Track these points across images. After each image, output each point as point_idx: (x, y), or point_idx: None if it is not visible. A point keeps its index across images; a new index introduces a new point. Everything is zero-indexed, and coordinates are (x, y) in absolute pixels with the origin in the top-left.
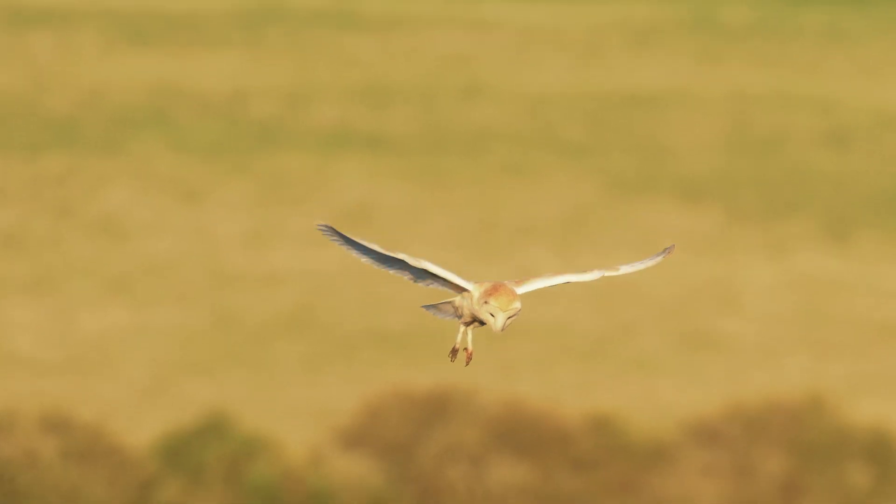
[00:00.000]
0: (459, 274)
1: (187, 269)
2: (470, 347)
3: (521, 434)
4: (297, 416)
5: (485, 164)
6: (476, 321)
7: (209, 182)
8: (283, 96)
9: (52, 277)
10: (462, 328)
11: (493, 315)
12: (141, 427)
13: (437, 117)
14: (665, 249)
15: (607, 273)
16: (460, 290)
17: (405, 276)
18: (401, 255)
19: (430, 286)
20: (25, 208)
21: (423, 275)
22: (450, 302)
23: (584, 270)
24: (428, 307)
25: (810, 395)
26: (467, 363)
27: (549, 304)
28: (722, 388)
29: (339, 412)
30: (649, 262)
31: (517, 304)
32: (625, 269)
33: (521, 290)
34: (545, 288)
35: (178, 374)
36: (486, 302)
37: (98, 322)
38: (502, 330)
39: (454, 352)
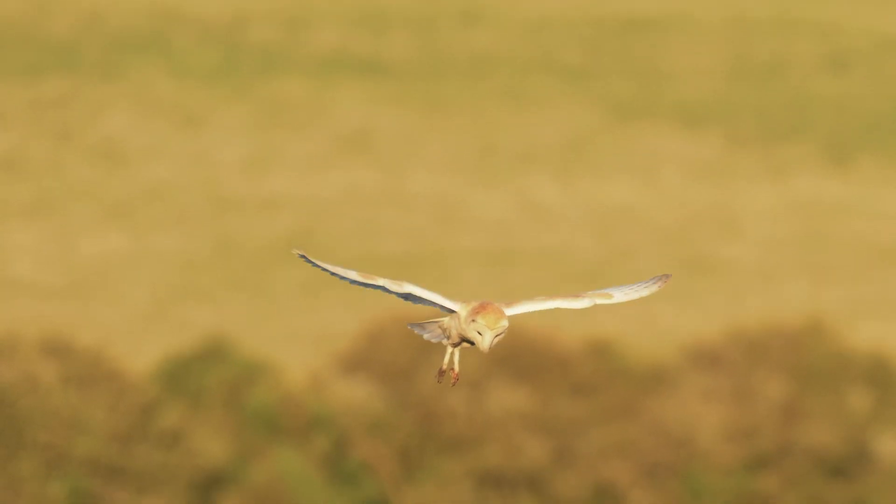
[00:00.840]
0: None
1: (187, 195)
2: (457, 369)
3: (521, 359)
4: (296, 341)
5: (484, 90)
6: (464, 341)
7: (208, 107)
8: (282, 21)
9: (52, 202)
10: (450, 349)
11: (480, 333)
12: (141, 352)
13: (436, 43)
14: (662, 276)
15: (599, 301)
16: (447, 310)
17: (391, 294)
18: (380, 282)
19: (426, 329)
20: (25, 132)
21: (408, 296)
22: (437, 322)
23: (575, 296)
24: (414, 326)
25: (810, 318)
26: (454, 384)
27: (548, 230)
28: (722, 312)
29: (338, 337)
30: (643, 291)
31: (504, 323)
32: (618, 298)
33: (509, 311)
34: (533, 311)
35: (177, 299)
36: (473, 320)
37: (98, 247)
38: (489, 349)
39: (441, 373)
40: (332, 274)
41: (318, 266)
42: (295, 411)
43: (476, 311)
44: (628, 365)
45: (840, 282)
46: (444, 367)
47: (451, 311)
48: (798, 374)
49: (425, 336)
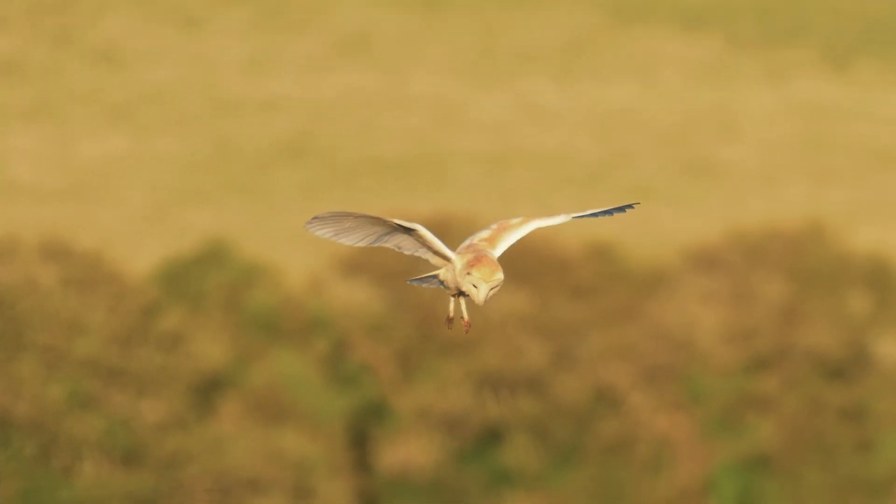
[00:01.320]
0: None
1: (186, 97)
2: (466, 317)
3: (521, 262)
4: (296, 244)
5: None
6: (460, 293)
7: (208, 9)
8: None
9: (52, 105)
10: (452, 299)
11: (475, 286)
12: (140, 254)
13: None
14: (629, 205)
15: (574, 215)
16: (445, 258)
17: (394, 247)
18: (395, 220)
19: (418, 255)
20: (25, 35)
21: (410, 243)
22: (434, 275)
23: (551, 215)
24: (413, 280)
25: (809, 221)
26: (466, 331)
27: (547, 132)
28: (721, 215)
29: None
30: (614, 210)
31: (500, 275)
32: (591, 211)
33: (497, 250)
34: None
35: (177, 201)
36: (468, 273)
37: (98, 149)
38: (485, 301)
39: (450, 320)
40: (349, 222)
41: (336, 215)
42: (294, 314)
43: (471, 265)
44: (628, 268)
45: (839, 185)
46: (451, 314)
47: (448, 260)
48: (798, 277)
49: (424, 285)
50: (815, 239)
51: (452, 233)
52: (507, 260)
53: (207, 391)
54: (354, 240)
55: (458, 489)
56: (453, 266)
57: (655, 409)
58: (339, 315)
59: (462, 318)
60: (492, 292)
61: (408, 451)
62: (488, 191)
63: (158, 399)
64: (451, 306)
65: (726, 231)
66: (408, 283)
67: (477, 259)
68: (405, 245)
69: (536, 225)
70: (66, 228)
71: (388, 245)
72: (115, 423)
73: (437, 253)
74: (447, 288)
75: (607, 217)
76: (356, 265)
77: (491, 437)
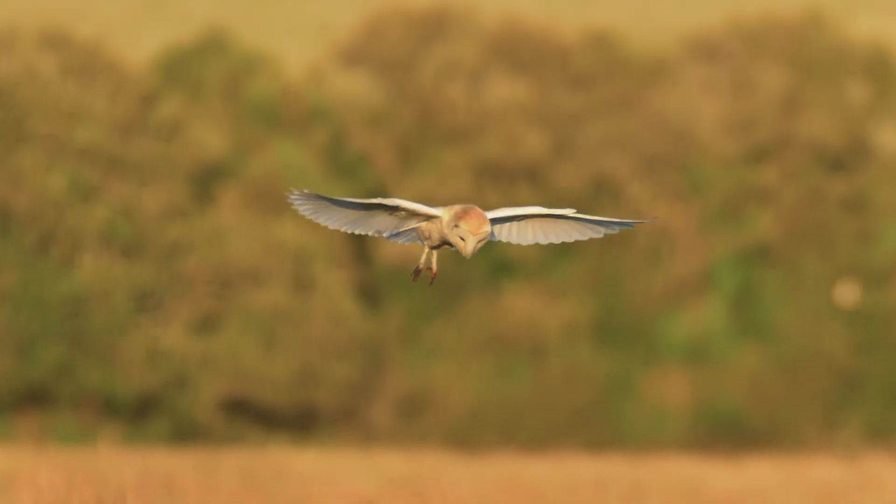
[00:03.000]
0: None
1: None
2: (434, 269)
3: (520, 51)
4: (296, 33)
5: None
6: (445, 244)
7: None
8: None
9: None
10: (426, 251)
11: (463, 239)
12: (140, 43)
13: None
14: (649, 219)
15: (583, 217)
16: (432, 217)
17: (374, 233)
18: (377, 200)
19: (401, 234)
20: None
21: (391, 222)
22: (413, 228)
23: (556, 209)
24: (391, 236)
25: (809, 10)
26: (431, 282)
27: None
28: (721, 2)
29: (338, 29)
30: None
31: (487, 228)
32: (599, 218)
33: (491, 215)
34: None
35: None
36: (456, 226)
37: None
38: (472, 254)
39: (417, 272)
40: (330, 207)
41: (318, 199)
42: (294, 103)
43: (459, 217)
44: (628, 56)
45: None
46: (422, 265)
47: (435, 218)
48: (797, 67)
49: (401, 241)
50: (815, 27)
51: (452, 23)
52: (506, 50)
53: (207, 181)
54: (334, 222)
55: (456, 280)
56: (440, 220)
57: (654, 199)
58: (338, 105)
59: (430, 269)
60: (479, 245)
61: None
62: None
63: (159, 188)
64: (423, 258)
65: (726, 19)
66: (387, 238)
67: (465, 211)
68: (385, 226)
69: (538, 210)
70: (65, 17)
71: (368, 232)
72: (116, 213)
73: (424, 217)
74: (424, 241)
75: (606, 3)
76: (356, 55)
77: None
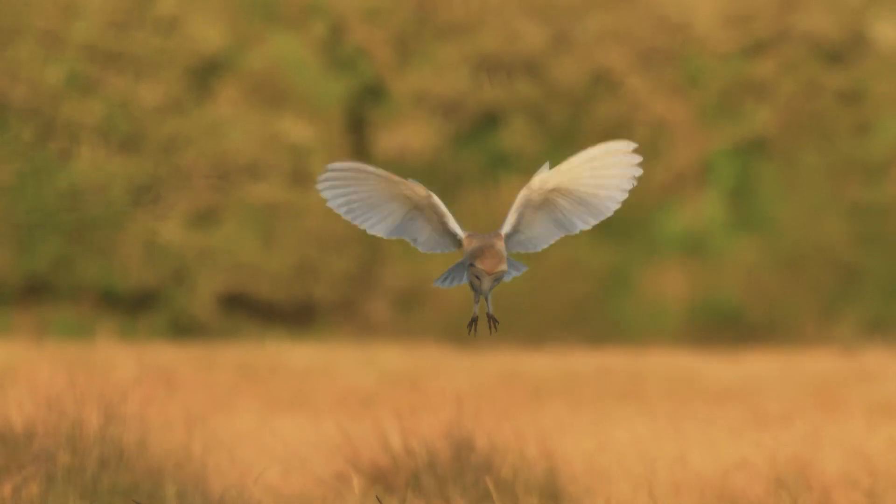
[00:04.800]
0: None
1: None
2: (490, 310)
3: None
4: None
5: None
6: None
7: None
8: None
9: None
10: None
11: (478, 278)
12: None
13: None
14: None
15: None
16: (453, 235)
17: (410, 241)
18: (411, 181)
19: (426, 236)
20: None
21: (425, 225)
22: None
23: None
24: (427, 247)
25: None
26: (493, 329)
27: None
28: None
29: None
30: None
31: (503, 267)
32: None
33: (503, 230)
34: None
35: None
36: (472, 264)
37: None
38: (488, 292)
39: (473, 321)
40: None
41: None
42: None
43: (475, 256)
44: None
45: None
46: (476, 314)
47: (457, 238)
48: None
49: (455, 285)
50: None
51: None
52: None
53: (205, 75)
54: (368, 220)
55: (454, 173)
56: (464, 247)
57: (653, 91)
58: None
59: (489, 315)
60: (495, 283)
61: (404, 136)
62: None
63: (157, 82)
64: (476, 307)
65: None
66: (422, 249)
67: (481, 251)
68: (420, 231)
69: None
70: None
71: (404, 235)
72: (113, 106)
73: (446, 225)
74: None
75: None
76: None
77: (488, 120)
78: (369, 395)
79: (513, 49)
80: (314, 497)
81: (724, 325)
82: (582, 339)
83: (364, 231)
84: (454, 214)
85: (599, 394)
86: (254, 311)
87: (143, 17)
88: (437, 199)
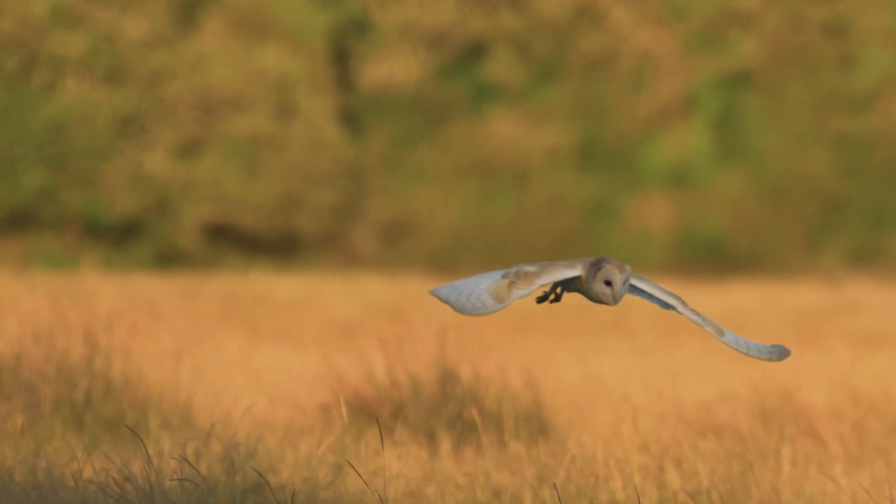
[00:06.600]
0: None
1: None
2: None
3: None
4: None
5: None
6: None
7: None
8: None
9: None
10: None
11: (609, 282)
12: None
13: None
14: (780, 351)
15: (709, 329)
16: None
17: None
18: (516, 294)
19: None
20: None
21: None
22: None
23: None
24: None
25: None
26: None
27: None
28: None
29: None
30: (758, 355)
31: (628, 266)
32: (728, 341)
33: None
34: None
35: None
36: (598, 270)
37: None
38: (620, 297)
39: (544, 298)
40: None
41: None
42: None
43: (596, 266)
44: None
45: None
46: (548, 294)
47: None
48: None
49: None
50: None
51: None
52: None
53: (190, 7)
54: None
55: (439, 105)
56: (581, 277)
57: (637, 23)
58: None
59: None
60: (625, 286)
61: (390, 68)
62: None
63: (141, 16)
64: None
65: None
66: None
67: (598, 260)
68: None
69: (675, 304)
70: None
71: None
72: (99, 40)
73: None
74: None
75: None
76: None
77: (473, 52)
78: (354, 326)
79: None
80: (299, 427)
81: (708, 256)
82: None
83: (348, 164)
84: (439, 147)
85: (584, 326)
86: (238, 243)
87: None
88: (545, 277)
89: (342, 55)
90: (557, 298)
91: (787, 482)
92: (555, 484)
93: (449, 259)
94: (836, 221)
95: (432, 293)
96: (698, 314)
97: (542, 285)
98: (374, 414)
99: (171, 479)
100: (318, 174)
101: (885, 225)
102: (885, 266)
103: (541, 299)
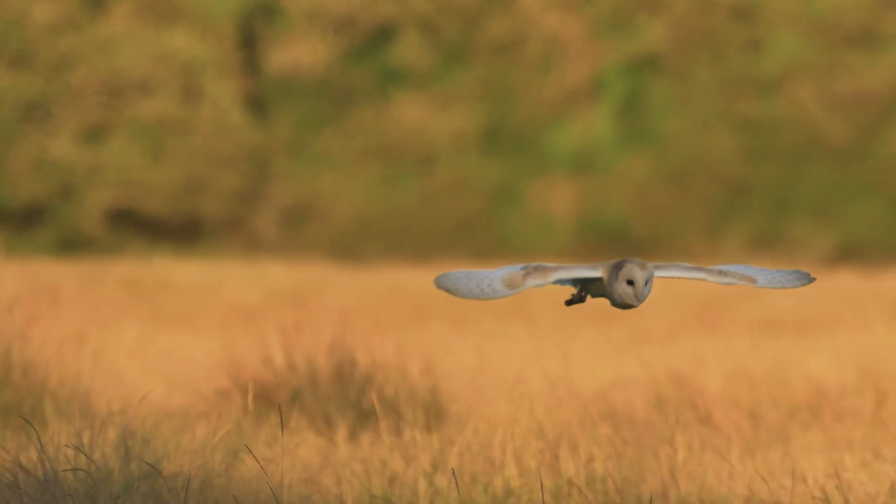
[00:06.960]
0: None
1: None
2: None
3: None
4: None
5: None
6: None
7: None
8: None
9: None
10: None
11: (631, 281)
12: None
13: None
14: (804, 276)
15: (741, 282)
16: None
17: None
18: (529, 283)
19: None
20: None
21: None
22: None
23: (721, 272)
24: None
25: None
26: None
27: None
28: None
29: None
30: (787, 284)
31: (650, 264)
32: (761, 283)
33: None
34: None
35: None
36: (619, 269)
37: None
38: (643, 297)
39: (572, 301)
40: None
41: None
42: None
43: (617, 268)
44: None
45: None
46: (575, 295)
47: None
48: None
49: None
50: None
51: None
52: None
53: None
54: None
55: (346, 89)
56: (603, 279)
57: (546, 7)
58: None
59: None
60: (648, 285)
61: (297, 52)
62: None
63: (50, 0)
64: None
65: None
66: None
67: (620, 261)
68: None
69: (702, 276)
70: None
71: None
72: (6, 23)
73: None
74: (583, 295)
75: None
76: None
77: (381, 36)
78: (255, 312)
79: None
80: (196, 413)
81: (611, 241)
82: (469, 254)
83: (253, 148)
84: (345, 131)
85: (483, 311)
86: (141, 227)
87: None
88: (560, 273)
89: (250, 39)
90: (582, 300)
91: (682, 468)
92: (453, 470)
93: (352, 244)
94: (740, 205)
95: (437, 282)
96: (726, 275)
97: (559, 280)
98: (272, 400)
99: (63, 470)
100: (223, 158)
101: (787, 209)
102: (788, 251)
103: (569, 302)
